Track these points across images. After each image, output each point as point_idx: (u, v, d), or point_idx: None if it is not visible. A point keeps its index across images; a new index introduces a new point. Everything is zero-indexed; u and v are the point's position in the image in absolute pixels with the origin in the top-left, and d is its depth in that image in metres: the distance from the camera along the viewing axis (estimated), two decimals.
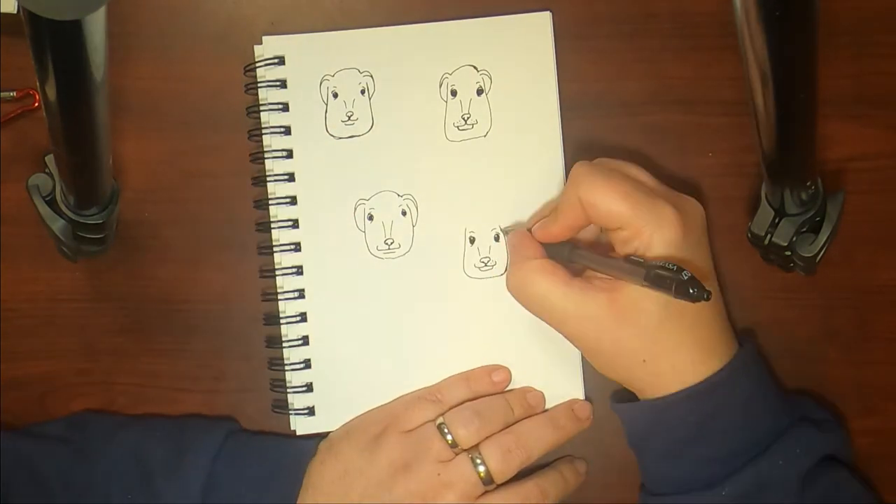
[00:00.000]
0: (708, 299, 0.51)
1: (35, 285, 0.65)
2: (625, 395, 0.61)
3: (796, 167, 0.54)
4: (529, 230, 0.62)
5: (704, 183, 0.65)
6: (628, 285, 0.56)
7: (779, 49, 0.43)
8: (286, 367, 0.64)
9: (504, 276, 0.64)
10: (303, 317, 0.64)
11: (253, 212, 0.65)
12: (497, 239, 0.64)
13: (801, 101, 0.48)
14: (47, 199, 0.60)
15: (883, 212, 0.65)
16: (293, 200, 0.64)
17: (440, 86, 0.65)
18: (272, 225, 0.64)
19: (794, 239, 0.59)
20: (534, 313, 0.60)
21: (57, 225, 0.60)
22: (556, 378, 0.64)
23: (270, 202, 0.64)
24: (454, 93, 0.64)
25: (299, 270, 0.64)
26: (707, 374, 0.57)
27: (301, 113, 0.63)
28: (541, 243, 0.61)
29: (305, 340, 0.64)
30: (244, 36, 0.65)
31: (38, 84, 0.44)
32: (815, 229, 0.59)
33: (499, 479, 0.60)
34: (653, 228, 0.56)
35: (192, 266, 0.65)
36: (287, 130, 0.64)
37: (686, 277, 0.51)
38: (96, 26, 0.40)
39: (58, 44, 0.40)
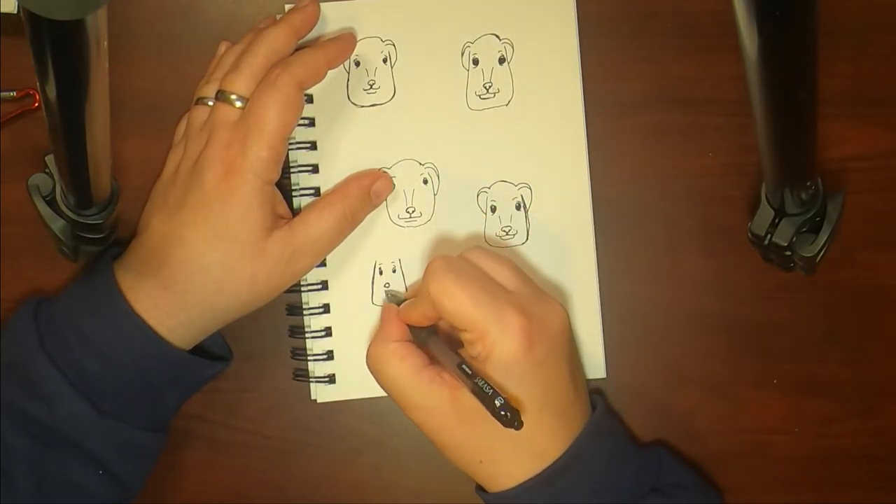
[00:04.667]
0: (518, 428, 0.51)
1: (35, 285, 0.65)
2: None
3: (796, 167, 0.54)
4: (402, 301, 0.61)
5: (704, 183, 0.65)
6: None
7: (779, 49, 0.43)
8: (307, 335, 0.65)
9: (526, 244, 0.64)
10: (324, 285, 0.64)
11: None
12: (518, 208, 0.64)
13: (801, 101, 0.48)
14: (47, 199, 0.60)
15: (883, 212, 0.65)
16: (315, 169, 0.64)
17: (462, 54, 0.65)
18: (293, 193, 0.64)
19: (794, 239, 0.59)
20: (386, 393, 0.59)
21: (57, 225, 0.60)
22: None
23: (293, 170, 0.64)
24: (476, 61, 0.65)
25: None
26: (542, 469, 0.56)
27: (323, 82, 0.63)
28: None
29: (326, 308, 0.64)
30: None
31: (38, 84, 0.44)
32: (815, 229, 0.59)
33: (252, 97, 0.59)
34: (496, 336, 0.55)
35: None
36: (309, 99, 0.64)
37: (498, 404, 0.51)
38: (96, 26, 0.40)
39: (58, 44, 0.40)
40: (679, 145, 0.65)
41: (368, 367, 0.60)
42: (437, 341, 0.58)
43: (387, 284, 0.65)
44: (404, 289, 0.65)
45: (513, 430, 0.52)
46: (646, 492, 0.59)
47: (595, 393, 0.63)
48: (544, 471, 0.56)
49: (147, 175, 0.64)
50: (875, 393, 0.65)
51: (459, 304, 0.56)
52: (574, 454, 0.57)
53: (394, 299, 0.63)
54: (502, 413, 0.51)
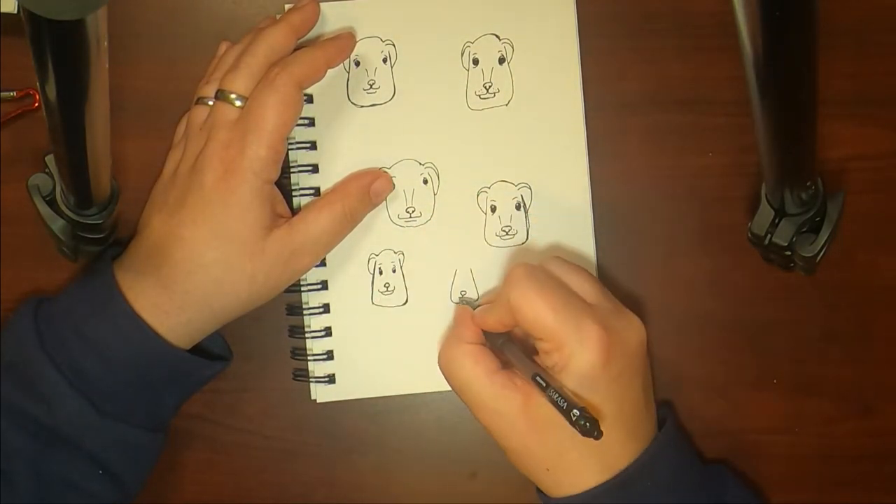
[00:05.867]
0: (598, 438, 0.51)
1: (35, 285, 0.65)
2: None
3: (796, 167, 0.54)
4: (477, 306, 0.61)
5: (704, 183, 0.65)
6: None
7: (779, 49, 0.43)
8: (307, 335, 0.65)
9: (526, 244, 0.64)
10: (323, 285, 0.65)
11: None
12: (518, 208, 0.65)
13: (801, 101, 0.48)
14: (47, 199, 0.60)
15: (883, 212, 0.65)
16: (315, 168, 0.64)
17: (462, 54, 0.65)
18: (293, 193, 0.64)
19: (794, 239, 0.59)
20: (455, 393, 0.59)
21: (57, 225, 0.60)
22: None
23: (293, 170, 0.64)
24: (476, 61, 0.65)
25: None
26: (607, 479, 0.56)
27: (323, 81, 0.63)
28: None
29: (326, 308, 0.65)
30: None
31: (38, 84, 0.44)
32: (815, 229, 0.59)
33: (251, 96, 0.60)
34: (574, 347, 0.55)
35: None
36: (309, 99, 0.64)
37: (574, 417, 0.51)
38: (96, 26, 0.40)
39: (58, 44, 0.40)
40: (679, 145, 0.65)
41: (440, 366, 0.60)
42: (513, 348, 0.58)
43: (386, 284, 0.65)
44: (404, 289, 0.65)
45: (585, 441, 0.51)
46: None
47: (664, 405, 0.63)
48: (612, 478, 0.56)
49: (147, 175, 0.64)
50: (875, 393, 0.65)
51: (539, 314, 0.55)
52: (642, 465, 0.56)
53: (467, 303, 0.63)
54: (581, 422, 0.51)
